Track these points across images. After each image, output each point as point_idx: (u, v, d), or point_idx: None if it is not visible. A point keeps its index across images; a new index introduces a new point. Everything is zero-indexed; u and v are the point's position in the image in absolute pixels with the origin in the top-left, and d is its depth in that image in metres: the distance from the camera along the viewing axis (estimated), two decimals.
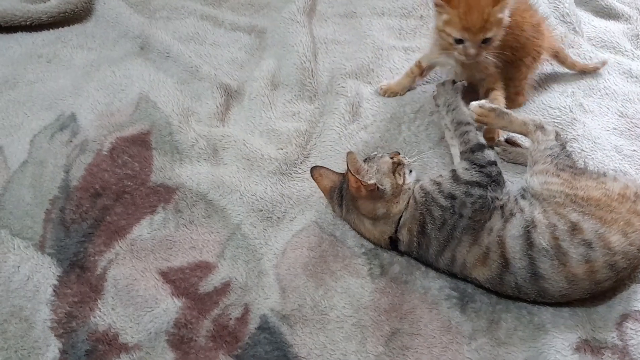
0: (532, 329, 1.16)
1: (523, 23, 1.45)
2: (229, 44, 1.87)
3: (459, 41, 1.35)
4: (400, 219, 1.23)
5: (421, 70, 1.60)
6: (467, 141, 1.29)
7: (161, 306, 1.21)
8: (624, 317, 1.17)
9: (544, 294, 1.14)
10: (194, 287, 1.25)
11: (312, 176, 1.35)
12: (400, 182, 1.25)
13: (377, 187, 1.21)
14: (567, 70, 1.67)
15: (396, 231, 1.24)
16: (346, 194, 1.28)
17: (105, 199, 1.39)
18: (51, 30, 1.90)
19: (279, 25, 1.85)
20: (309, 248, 1.30)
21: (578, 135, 1.50)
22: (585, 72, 1.66)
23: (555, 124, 1.51)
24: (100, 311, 1.21)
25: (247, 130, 1.59)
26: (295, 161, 1.49)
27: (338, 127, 1.55)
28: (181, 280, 1.26)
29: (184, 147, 1.50)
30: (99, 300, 1.23)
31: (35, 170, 1.46)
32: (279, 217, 1.37)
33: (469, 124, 1.32)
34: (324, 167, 1.34)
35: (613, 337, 1.14)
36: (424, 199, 1.22)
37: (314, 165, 1.36)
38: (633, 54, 1.77)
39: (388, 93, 1.64)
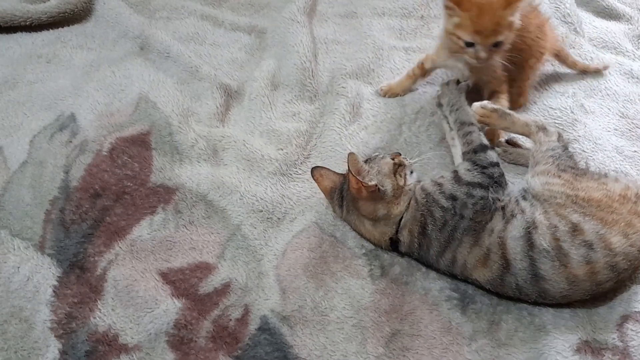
0: (532, 330, 1.16)
1: (529, 24, 1.45)
2: (229, 44, 1.87)
3: (470, 44, 1.33)
4: (401, 220, 1.23)
5: (423, 72, 1.59)
6: (470, 142, 1.29)
7: (161, 307, 1.21)
8: (625, 318, 1.17)
9: (545, 295, 1.14)
10: (194, 287, 1.25)
11: (312, 177, 1.35)
12: (401, 183, 1.24)
13: (378, 188, 1.21)
14: (568, 71, 1.67)
15: (397, 232, 1.23)
16: (347, 194, 1.28)
17: (105, 199, 1.39)
18: (51, 30, 1.90)
19: (279, 25, 1.84)
20: (310, 249, 1.30)
21: (579, 136, 1.50)
22: (586, 72, 1.66)
23: (556, 124, 1.51)
24: (100, 312, 1.21)
25: (247, 130, 1.58)
26: (296, 162, 1.49)
27: (338, 127, 1.55)
28: (181, 281, 1.26)
29: (184, 148, 1.50)
30: (98, 301, 1.22)
31: (35, 171, 1.46)
32: (279, 218, 1.37)
33: (472, 124, 1.32)
34: (324, 168, 1.34)
35: (614, 338, 1.14)
36: (425, 199, 1.22)
37: (314, 165, 1.36)
38: (634, 55, 1.77)
39: (389, 94, 1.64)
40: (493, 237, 1.15)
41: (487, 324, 1.17)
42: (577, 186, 1.18)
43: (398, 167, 1.26)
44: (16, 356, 1.15)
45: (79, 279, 1.26)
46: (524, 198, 1.21)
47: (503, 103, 1.46)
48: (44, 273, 1.26)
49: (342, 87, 1.65)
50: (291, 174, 1.47)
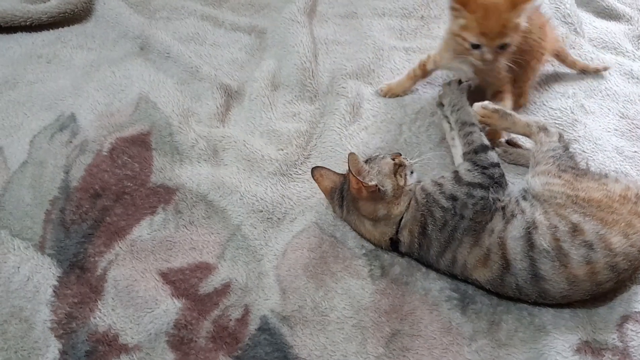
0: (532, 330, 1.16)
1: (531, 26, 1.45)
2: (229, 44, 1.87)
3: (476, 46, 1.32)
4: (401, 220, 1.23)
5: (425, 73, 1.59)
6: (471, 142, 1.29)
7: (161, 307, 1.21)
8: (625, 319, 1.17)
9: (545, 295, 1.14)
10: (194, 288, 1.25)
11: (313, 177, 1.35)
12: (402, 183, 1.24)
13: (379, 188, 1.21)
14: (568, 71, 1.67)
15: (397, 232, 1.23)
16: (347, 194, 1.28)
17: (105, 199, 1.39)
18: (51, 30, 1.90)
19: (280, 25, 1.84)
20: (310, 249, 1.30)
21: (579, 136, 1.50)
22: (586, 71, 1.66)
23: (556, 125, 1.51)
24: (100, 312, 1.21)
25: (248, 130, 1.58)
26: (296, 162, 1.49)
27: (338, 127, 1.55)
28: (181, 281, 1.26)
29: (184, 148, 1.50)
30: (99, 301, 1.22)
31: (35, 171, 1.46)
32: (279, 218, 1.37)
33: (473, 124, 1.32)
34: (324, 168, 1.34)
35: (614, 339, 1.14)
36: (425, 200, 1.22)
37: (314, 165, 1.36)
38: (634, 55, 1.77)
39: (389, 94, 1.64)
40: (493, 237, 1.15)
41: (487, 324, 1.17)
42: (577, 186, 1.18)
43: (398, 168, 1.26)
44: (16, 356, 1.15)
45: (79, 279, 1.26)
46: (524, 198, 1.21)
47: (507, 103, 1.45)
48: (44, 273, 1.26)
49: (343, 87, 1.65)
50: (291, 174, 1.47)
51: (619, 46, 1.79)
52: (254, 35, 1.90)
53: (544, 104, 1.58)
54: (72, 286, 1.25)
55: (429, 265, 1.25)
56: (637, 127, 1.55)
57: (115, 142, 1.51)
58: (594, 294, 1.14)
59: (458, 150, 1.40)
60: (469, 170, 1.24)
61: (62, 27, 1.91)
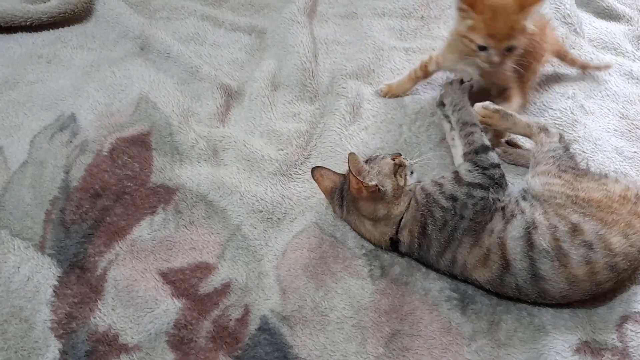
0: (532, 330, 1.16)
1: (535, 27, 1.44)
2: (229, 44, 1.87)
3: (483, 48, 1.31)
4: (401, 220, 1.23)
5: (426, 74, 1.58)
6: (472, 142, 1.28)
7: (161, 307, 1.21)
8: (624, 319, 1.17)
9: (545, 295, 1.14)
10: (194, 288, 1.25)
11: (313, 177, 1.35)
12: (402, 183, 1.25)
13: (379, 188, 1.21)
14: (568, 72, 1.67)
15: (397, 232, 1.23)
16: (347, 194, 1.28)
17: (105, 199, 1.39)
18: (51, 30, 1.90)
19: (280, 25, 1.84)
20: (310, 249, 1.30)
21: (579, 136, 1.50)
22: (587, 68, 1.66)
23: (556, 125, 1.51)
24: (101, 312, 1.21)
25: (248, 131, 1.59)
26: (296, 162, 1.49)
27: (338, 128, 1.55)
28: (181, 281, 1.26)
29: (184, 148, 1.50)
30: (99, 301, 1.22)
31: (35, 171, 1.46)
32: (279, 218, 1.37)
33: (474, 124, 1.32)
34: (325, 168, 1.34)
35: (613, 339, 1.14)
36: (425, 200, 1.22)
37: (314, 165, 1.36)
38: (634, 56, 1.77)
39: (389, 95, 1.64)
40: (493, 237, 1.15)
41: (486, 324, 1.17)
42: (577, 187, 1.18)
43: (398, 168, 1.26)
44: (16, 356, 1.15)
45: (79, 279, 1.26)
46: (524, 198, 1.21)
47: (516, 101, 1.44)
48: (44, 273, 1.26)
49: (343, 87, 1.65)
50: (291, 174, 1.47)
51: (618, 46, 1.79)
52: (254, 35, 1.90)
53: (544, 105, 1.58)
54: (72, 286, 1.25)
55: (428, 266, 1.25)
56: (636, 128, 1.55)
57: (115, 142, 1.51)
58: (594, 294, 1.14)
59: (458, 150, 1.40)
60: (469, 170, 1.24)
61: (62, 27, 1.91)
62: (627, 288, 1.20)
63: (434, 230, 1.19)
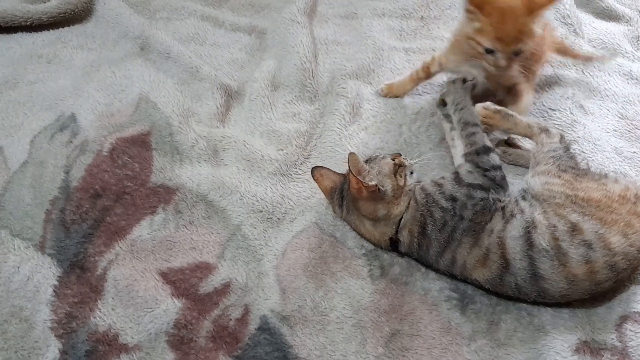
0: (531, 330, 1.16)
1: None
2: (229, 44, 1.87)
3: (490, 51, 1.28)
4: (400, 220, 1.23)
5: (428, 75, 1.57)
6: (473, 142, 1.28)
7: (161, 307, 1.21)
8: (624, 319, 1.17)
9: (544, 294, 1.14)
10: (194, 287, 1.25)
11: (313, 176, 1.35)
12: (402, 183, 1.25)
13: (378, 188, 1.21)
14: (567, 73, 1.67)
15: (397, 232, 1.24)
16: (347, 194, 1.28)
17: (105, 199, 1.39)
18: (51, 30, 1.90)
19: (280, 26, 1.85)
20: (309, 249, 1.30)
21: (578, 137, 1.50)
22: (591, 60, 1.65)
23: (556, 125, 1.51)
24: (101, 312, 1.21)
25: (248, 131, 1.59)
26: (296, 162, 1.49)
27: (338, 128, 1.55)
28: (181, 281, 1.26)
29: (184, 148, 1.50)
30: (99, 301, 1.23)
31: (35, 171, 1.46)
32: (279, 218, 1.37)
33: (476, 125, 1.32)
34: (325, 168, 1.34)
35: (612, 339, 1.14)
36: (424, 200, 1.22)
37: (314, 165, 1.36)
38: (633, 56, 1.77)
39: (389, 95, 1.64)
40: (492, 237, 1.15)
41: (486, 324, 1.18)
42: (576, 186, 1.18)
43: (398, 168, 1.26)
44: (16, 356, 1.15)
45: (79, 278, 1.26)
46: (524, 198, 1.21)
47: (526, 98, 1.43)
48: (44, 273, 1.26)
49: (342, 87, 1.65)
50: (291, 175, 1.47)
51: (618, 47, 1.79)
52: (254, 35, 1.90)
53: (543, 105, 1.59)
54: (72, 286, 1.25)
55: (428, 265, 1.25)
56: (636, 128, 1.55)
57: (115, 142, 1.51)
58: (593, 294, 1.14)
59: (458, 150, 1.40)
60: (470, 171, 1.24)
61: (62, 27, 1.91)
62: (627, 288, 1.21)
63: (434, 231, 1.20)
